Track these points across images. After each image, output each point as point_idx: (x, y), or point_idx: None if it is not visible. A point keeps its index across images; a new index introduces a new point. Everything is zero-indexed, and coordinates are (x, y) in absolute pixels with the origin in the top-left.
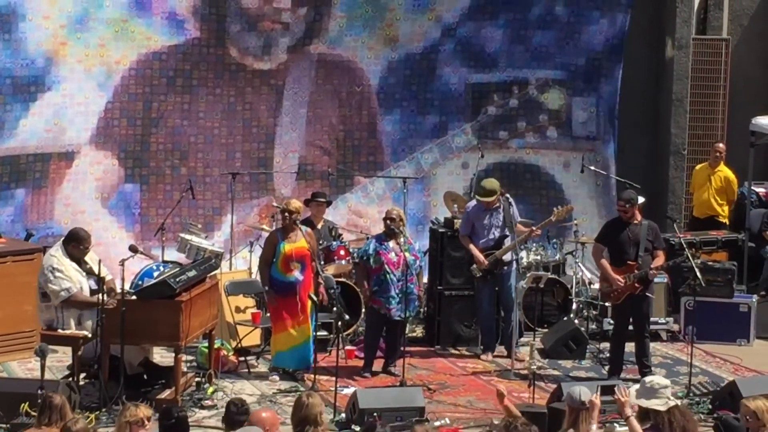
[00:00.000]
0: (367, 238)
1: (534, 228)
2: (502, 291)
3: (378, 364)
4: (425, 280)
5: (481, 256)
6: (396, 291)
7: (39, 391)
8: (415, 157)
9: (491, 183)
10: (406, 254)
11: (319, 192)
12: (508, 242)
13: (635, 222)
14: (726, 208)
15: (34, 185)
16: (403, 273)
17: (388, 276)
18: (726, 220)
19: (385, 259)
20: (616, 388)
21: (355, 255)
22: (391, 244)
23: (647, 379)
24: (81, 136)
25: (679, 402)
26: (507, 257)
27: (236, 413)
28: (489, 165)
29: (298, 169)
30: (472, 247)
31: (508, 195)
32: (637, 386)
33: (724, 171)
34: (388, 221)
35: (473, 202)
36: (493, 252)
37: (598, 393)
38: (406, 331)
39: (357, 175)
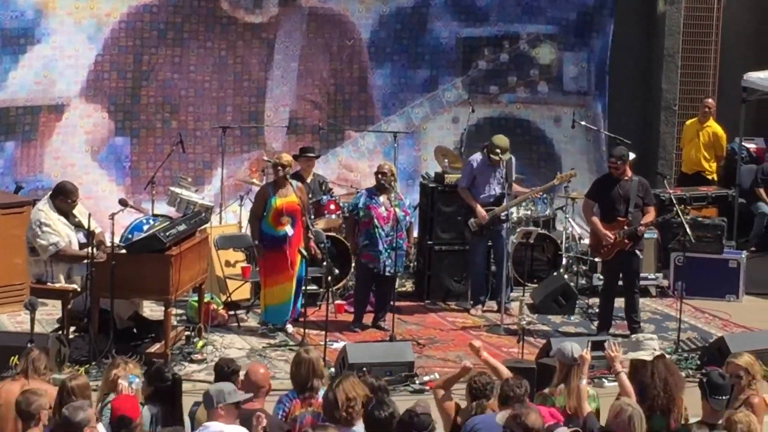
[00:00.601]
0: (357, 192)
1: (535, 189)
2: (497, 247)
3: (368, 319)
4: (415, 234)
5: (482, 211)
6: (385, 246)
7: (29, 345)
8: (406, 112)
9: (504, 141)
10: (396, 209)
11: (307, 147)
12: (506, 200)
13: (626, 178)
14: (714, 164)
15: (24, 138)
16: (392, 228)
17: (377, 230)
18: (714, 176)
19: (374, 213)
20: (606, 344)
21: (345, 209)
22: (382, 198)
23: (632, 337)
24: (71, 89)
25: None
26: (503, 214)
27: (227, 372)
28: (479, 120)
29: (289, 123)
30: (473, 201)
31: (510, 155)
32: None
33: (713, 126)
34: (380, 176)
35: (478, 155)
36: (492, 208)
37: (588, 348)
38: (396, 286)
39: (347, 129)
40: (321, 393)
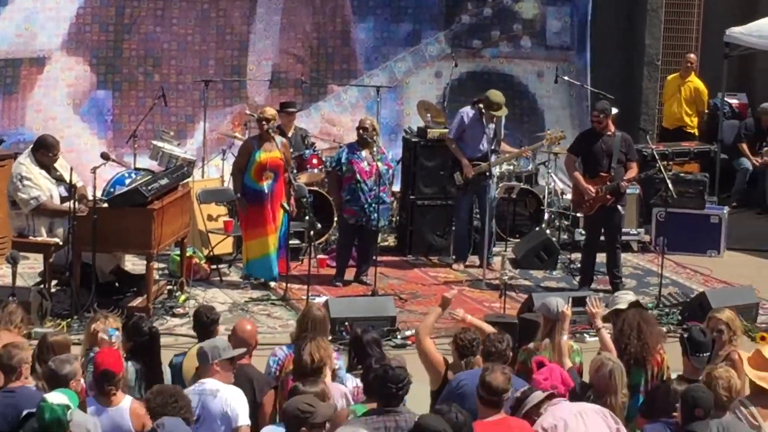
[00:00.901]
0: (340, 147)
1: (525, 149)
2: (482, 201)
3: (350, 273)
4: (397, 189)
5: (469, 166)
6: (368, 200)
7: (10, 298)
8: (389, 66)
9: (501, 97)
10: (379, 164)
11: (288, 102)
12: (494, 156)
13: (609, 133)
14: (695, 119)
15: (5, 91)
16: (375, 182)
17: (359, 185)
18: (695, 131)
19: (357, 168)
20: (587, 300)
21: (328, 163)
22: (364, 153)
23: (615, 294)
24: (52, 42)
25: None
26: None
27: (206, 322)
28: (462, 74)
29: (272, 77)
30: (460, 154)
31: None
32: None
33: (695, 82)
34: (361, 130)
35: (469, 109)
36: (479, 163)
37: (569, 304)
38: (378, 241)
39: (330, 83)
40: None
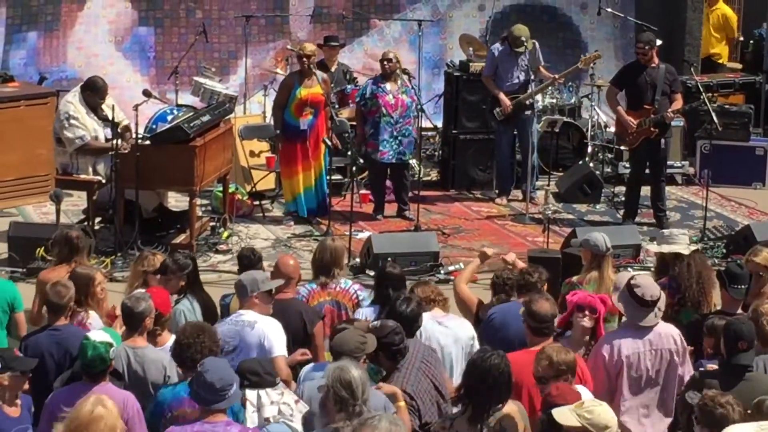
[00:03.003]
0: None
1: (558, 75)
2: (523, 135)
3: (393, 209)
4: (439, 124)
5: (506, 100)
6: (393, 134)
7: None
8: (432, 0)
9: (523, 30)
10: (404, 96)
11: (331, 36)
12: (532, 87)
13: (653, 65)
14: (725, 47)
15: (46, 28)
16: (401, 115)
17: (384, 119)
18: (724, 60)
19: (382, 101)
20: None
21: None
22: (389, 86)
23: (664, 231)
24: None
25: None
26: (529, 101)
27: (253, 262)
28: (506, 7)
29: (314, 12)
30: (496, 89)
31: (534, 41)
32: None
33: (722, 8)
34: (385, 63)
35: (498, 44)
36: (517, 96)
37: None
38: (421, 176)
39: (373, 17)
40: (341, 282)
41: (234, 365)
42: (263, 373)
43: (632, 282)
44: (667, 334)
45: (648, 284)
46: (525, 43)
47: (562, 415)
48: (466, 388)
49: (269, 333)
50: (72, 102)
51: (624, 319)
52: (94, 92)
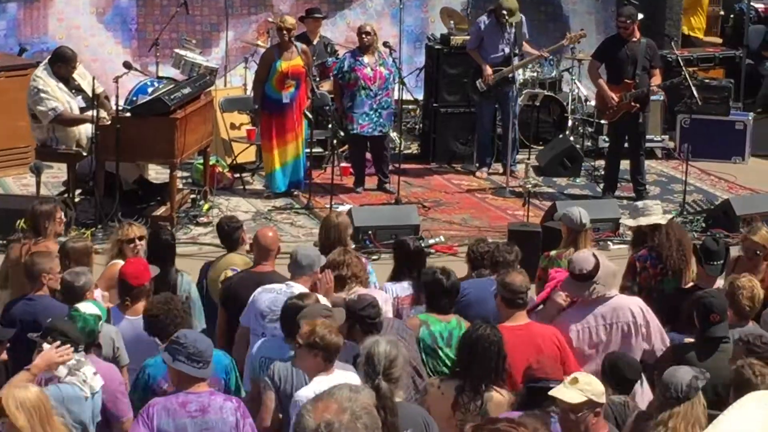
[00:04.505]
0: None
1: (544, 51)
2: (504, 109)
3: (373, 182)
4: (419, 96)
5: (489, 69)
6: (373, 106)
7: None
8: None
9: (512, 2)
10: (382, 68)
11: (314, 8)
12: (516, 61)
13: (634, 39)
14: (699, 21)
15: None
16: (379, 87)
17: (363, 91)
18: (698, 34)
19: (360, 74)
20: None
21: None
22: (366, 59)
23: (638, 203)
24: None
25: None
26: (510, 75)
27: (230, 230)
28: None
29: None
30: (481, 60)
31: (521, 14)
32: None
33: None
34: (363, 35)
35: (484, 17)
36: (501, 69)
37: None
38: (402, 148)
39: None
40: None
41: (276, 335)
42: (70, 335)
43: (569, 260)
44: (624, 306)
45: (581, 258)
46: (509, 16)
47: (566, 393)
48: (458, 361)
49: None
50: (40, 76)
51: None
52: (64, 62)
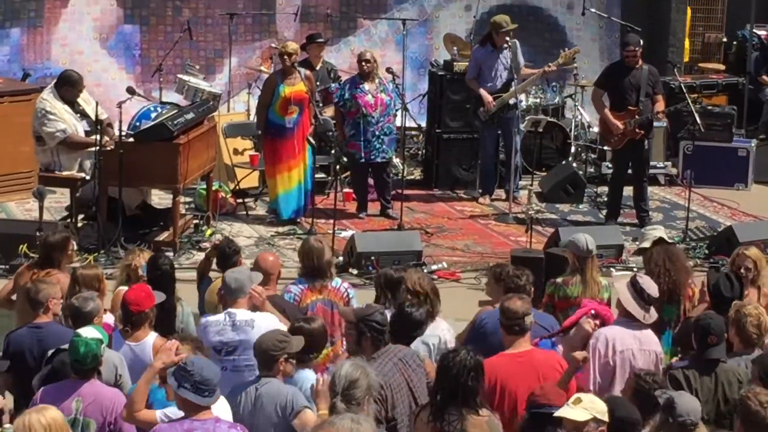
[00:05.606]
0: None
1: (539, 70)
2: (507, 134)
3: (376, 207)
4: (422, 122)
5: (488, 96)
6: (375, 133)
7: (37, 233)
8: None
9: (502, 16)
10: (383, 95)
11: (315, 33)
12: (514, 86)
13: (636, 67)
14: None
15: (29, 24)
16: (381, 114)
17: (365, 119)
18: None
19: (361, 102)
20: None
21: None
22: (367, 86)
23: (643, 229)
24: None
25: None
26: (512, 101)
27: (230, 253)
28: (492, 7)
29: (301, 11)
30: (481, 89)
31: (515, 40)
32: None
33: None
34: (363, 63)
35: (478, 46)
36: (500, 95)
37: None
38: (405, 174)
39: (359, 17)
40: (334, 281)
41: (238, 365)
42: None
43: (637, 278)
44: (652, 336)
45: (650, 283)
46: (508, 27)
47: (571, 412)
48: (435, 383)
49: (271, 328)
50: (47, 99)
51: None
52: (70, 86)
